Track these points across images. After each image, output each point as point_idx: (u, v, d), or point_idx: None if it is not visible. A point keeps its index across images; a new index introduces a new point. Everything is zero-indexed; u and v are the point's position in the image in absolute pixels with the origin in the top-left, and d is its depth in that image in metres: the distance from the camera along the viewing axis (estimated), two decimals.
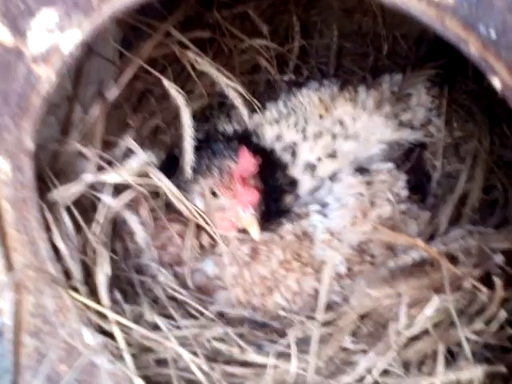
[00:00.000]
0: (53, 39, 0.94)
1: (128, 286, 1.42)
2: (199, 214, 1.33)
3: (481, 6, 0.75)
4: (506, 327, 1.08)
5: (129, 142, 1.25)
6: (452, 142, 1.75)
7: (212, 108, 1.93)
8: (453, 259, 1.12)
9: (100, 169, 1.27)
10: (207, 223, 1.34)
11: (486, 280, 1.13)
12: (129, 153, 1.32)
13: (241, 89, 1.52)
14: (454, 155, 1.74)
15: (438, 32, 0.78)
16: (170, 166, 1.53)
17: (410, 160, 1.68)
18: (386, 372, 1.13)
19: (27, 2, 0.94)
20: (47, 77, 0.97)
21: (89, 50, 1.45)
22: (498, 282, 1.02)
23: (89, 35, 0.93)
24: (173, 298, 1.39)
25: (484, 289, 1.07)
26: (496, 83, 0.80)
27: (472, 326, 1.05)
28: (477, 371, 0.94)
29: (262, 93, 2.02)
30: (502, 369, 0.97)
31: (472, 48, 0.77)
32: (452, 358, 1.09)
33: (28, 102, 1.02)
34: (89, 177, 1.18)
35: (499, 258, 1.07)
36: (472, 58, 0.80)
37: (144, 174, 1.26)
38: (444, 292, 1.11)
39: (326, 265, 1.20)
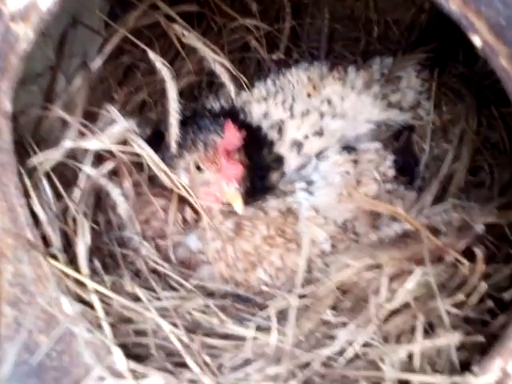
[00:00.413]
0: None
1: (110, 258, 1.41)
2: (181, 184, 1.31)
3: None
4: (487, 300, 1.07)
5: (110, 109, 1.23)
6: (441, 126, 1.75)
7: (201, 87, 1.92)
8: (435, 231, 1.11)
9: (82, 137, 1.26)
10: (189, 194, 1.33)
11: (469, 255, 1.13)
12: (112, 123, 1.31)
13: (228, 64, 1.50)
14: (442, 138, 1.74)
15: None
16: (156, 141, 1.51)
17: (399, 142, 1.68)
18: (366, 345, 1.12)
19: None
20: (25, 35, 0.96)
21: (74, 20, 1.44)
22: (479, 254, 1.02)
23: None
24: (155, 272, 1.38)
25: (465, 261, 1.06)
26: (476, 41, 0.79)
27: (452, 299, 1.04)
28: (454, 338, 0.93)
29: (252, 73, 2.02)
30: (480, 338, 0.96)
31: (452, 5, 0.76)
32: (432, 331, 1.08)
33: (6, 61, 1.00)
34: (69, 143, 1.16)
35: (480, 228, 1.07)
36: (452, 15, 0.78)
37: (126, 143, 1.24)
38: (425, 265, 1.10)
39: (305, 236, 1.18)
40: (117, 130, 1.19)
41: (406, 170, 1.65)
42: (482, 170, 1.57)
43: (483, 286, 1.01)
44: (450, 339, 0.94)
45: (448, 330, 0.96)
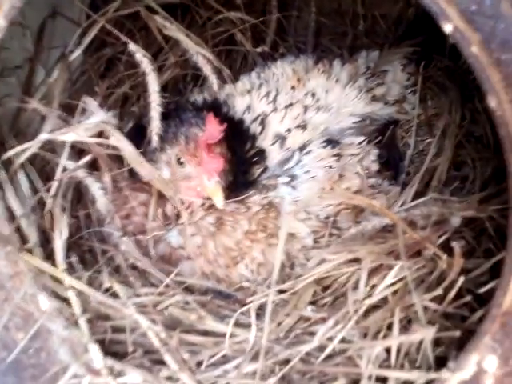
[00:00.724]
0: None
1: (89, 253, 1.39)
2: (159, 177, 1.30)
3: None
4: (466, 295, 1.06)
5: (88, 101, 1.21)
6: (426, 120, 1.74)
7: (185, 81, 1.90)
8: (414, 225, 1.10)
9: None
10: (168, 187, 1.31)
11: (449, 249, 1.12)
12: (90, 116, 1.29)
13: (210, 56, 1.49)
14: (427, 133, 1.73)
15: None
16: (138, 135, 1.50)
17: (384, 136, 1.66)
18: (345, 341, 1.11)
19: None
20: None
21: (53, 11, 1.41)
22: (456, 248, 1.01)
23: None
24: (134, 268, 1.36)
25: (444, 256, 1.05)
26: (446, 27, 0.77)
27: (431, 294, 1.03)
28: (428, 333, 0.92)
29: (238, 66, 2.00)
30: (457, 333, 0.96)
31: None
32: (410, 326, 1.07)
33: None
34: (45, 135, 1.15)
35: (456, 221, 1.06)
36: (423, 1, 0.77)
37: (104, 136, 1.23)
38: (406, 259, 1.10)
39: (282, 230, 1.16)
40: (94, 121, 1.17)
41: (391, 164, 1.64)
42: (466, 164, 1.56)
43: (460, 280, 1.00)
44: (424, 334, 0.93)
45: (424, 326, 0.95)
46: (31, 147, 1.15)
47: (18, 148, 1.15)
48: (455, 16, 0.75)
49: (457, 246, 0.99)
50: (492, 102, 0.83)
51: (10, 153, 1.15)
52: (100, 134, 1.26)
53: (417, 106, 1.71)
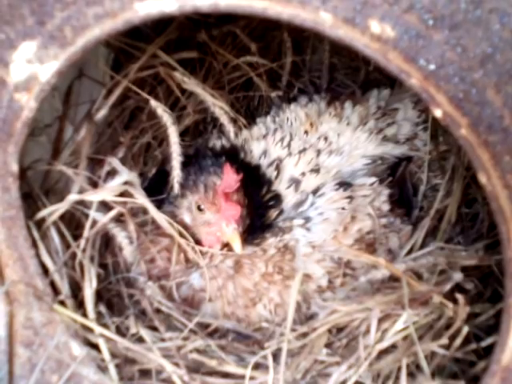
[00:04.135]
0: (32, 69, 1.01)
1: (117, 297, 1.48)
2: (179, 230, 1.38)
3: (420, 39, 0.80)
4: (473, 341, 1.10)
5: (113, 161, 1.31)
6: (437, 156, 1.78)
7: (206, 122, 1.99)
8: (420, 275, 1.16)
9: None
10: (186, 238, 1.39)
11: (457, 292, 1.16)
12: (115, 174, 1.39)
13: (226, 107, 1.58)
14: (439, 169, 1.77)
15: (380, 65, 0.82)
16: (161, 180, 1.59)
17: (396, 174, 1.71)
18: (357, 383, 1.17)
19: (10, 36, 1.01)
20: (28, 103, 1.04)
21: (80, 72, 1.52)
22: (461, 299, 1.06)
23: (64, 65, 1.00)
24: (159, 311, 1.45)
25: (450, 304, 1.10)
26: (437, 112, 0.84)
27: (437, 342, 1.08)
28: None
29: (256, 108, 2.08)
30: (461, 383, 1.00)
31: (413, 79, 0.81)
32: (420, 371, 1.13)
33: (11, 127, 1.08)
34: (73, 196, 1.25)
35: (458, 276, 1.10)
36: (413, 88, 0.83)
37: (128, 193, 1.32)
38: (415, 307, 1.15)
39: (297, 276, 1.23)
40: (118, 183, 1.26)
41: (404, 201, 1.68)
42: (477, 201, 1.60)
43: (465, 330, 1.05)
44: None
45: (427, 378, 1.00)
46: (61, 207, 1.25)
47: (50, 208, 1.25)
48: (444, 102, 0.81)
49: (461, 297, 1.04)
50: (483, 179, 0.89)
51: (43, 213, 1.25)
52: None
53: (428, 143, 1.75)
